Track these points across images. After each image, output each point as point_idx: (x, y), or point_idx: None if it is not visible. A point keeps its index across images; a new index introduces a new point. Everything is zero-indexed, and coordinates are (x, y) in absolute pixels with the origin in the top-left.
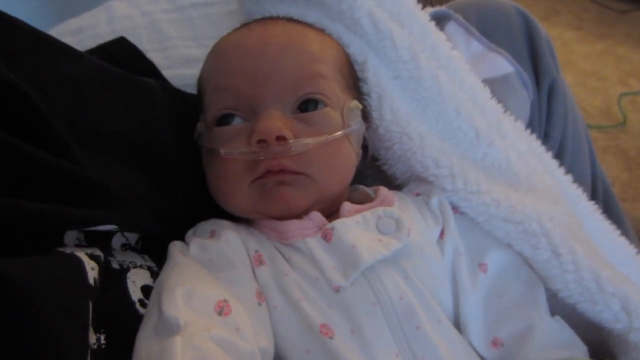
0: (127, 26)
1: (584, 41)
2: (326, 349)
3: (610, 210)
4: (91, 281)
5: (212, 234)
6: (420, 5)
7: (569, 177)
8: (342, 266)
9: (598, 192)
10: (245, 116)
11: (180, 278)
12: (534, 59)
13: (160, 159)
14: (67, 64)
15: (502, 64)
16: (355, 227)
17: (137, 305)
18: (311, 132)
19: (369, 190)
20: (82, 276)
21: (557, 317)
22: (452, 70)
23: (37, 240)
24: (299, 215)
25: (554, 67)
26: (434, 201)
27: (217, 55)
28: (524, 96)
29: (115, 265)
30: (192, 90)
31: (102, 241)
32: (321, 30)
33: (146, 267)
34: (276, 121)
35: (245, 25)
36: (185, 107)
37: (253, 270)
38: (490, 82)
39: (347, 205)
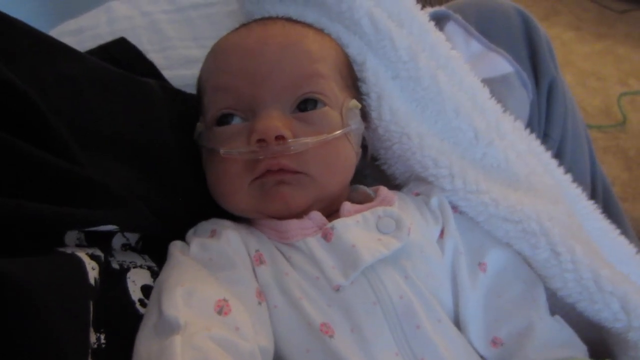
0: (127, 27)
1: (583, 41)
2: (326, 348)
3: (609, 210)
4: (92, 281)
5: (213, 234)
6: (419, 6)
7: (568, 177)
8: (342, 265)
9: (598, 192)
10: (245, 116)
11: (180, 278)
12: (534, 59)
13: (160, 159)
14: (67, 64)
15: (501, 64)
16: (355, 226)
17: (137, 305)
18: (310, 132)
19: (369, 190)
20: (83, 276)
21: (557, 317)
22: (451, 70)
23: (37, 240)
24: (299, 214)
25: (553, 67)
26: (434, 201)
27: (217, 56)
28: (523, 96)
29: (116, 265)
30: (192, 90)
31: (102, 241)
32: (320, 31)
33: (146, 267)
34: (275, 121)
35: (244, 25)
36: (185, 107)
37: (253, 270)
38: (489, 82)
39: (347, 205)
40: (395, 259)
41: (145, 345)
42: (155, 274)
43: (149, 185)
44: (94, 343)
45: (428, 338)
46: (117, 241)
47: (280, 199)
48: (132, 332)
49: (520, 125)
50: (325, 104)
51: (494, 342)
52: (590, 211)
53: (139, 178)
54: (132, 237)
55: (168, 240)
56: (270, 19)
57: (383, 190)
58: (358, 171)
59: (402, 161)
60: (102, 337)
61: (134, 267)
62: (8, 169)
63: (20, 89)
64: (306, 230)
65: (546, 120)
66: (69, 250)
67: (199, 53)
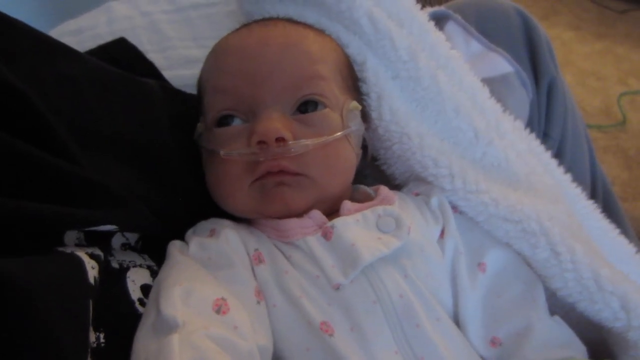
0: (127, 27)
1: (583, 41)
2: (326, 347)
3: (609, 210)
4: (91, 280)
5: (212, 233)
6: (419, 5)
7: (568, 177)
8: (342, 264)
9: (598, 192)
10: (245, 117)
11: (179, 277)
12: (533, 59)
13: (160, 159)
14: (67, 64)
15: (501, 64)
16: (355, 225)
17: (137, 304)
18: (311, 133)
19: (369, 189)
20: (83, 275)
21: (556, 317)
22: (451, 69)
23: (37, 240)
24: (299, 214)
25: (553, 67)
26: (434, 201)
27: (217, 56)
28: (523, 95)
29: (115, 265)
30: (192, 90)
31: (102, 241)
32: (321, 31)
33: (146, 267)
34: (275, 122)
35: (245, 26)
36: (185, 107)
37: (252, 269)
38: (489, 82)
39: (347, 204)
40: (395, 258)
41: (143, 345)
42: (154, 274)
43: (148, 185)
44: (94, 342)
45: (427, 337)
46: (117, 241)
47: (281, 201)
48: (132, 331)
49: (520, 124)
50: (325, 106)
51: (493, 342)
52: (590, 211)
53: (138, 178)
54: (132, 237)
55: (168, 239)
56: (270, 19)
57: (383, 189)
58: (358, 171)
59: (402, 161)
60: (102, 336)
61: (133, 267)
62: (8, 170)
63: (19, 90)
64: (306, 229)
65: (546, 120)
66: (68, 250)
67: (199, 53)
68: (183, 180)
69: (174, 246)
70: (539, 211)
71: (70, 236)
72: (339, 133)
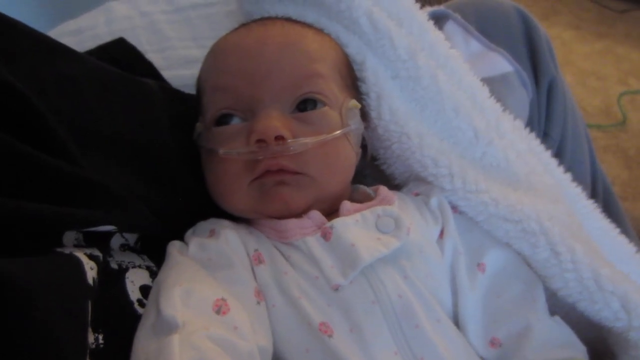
0: (127, 27)
1: (583, 41)
2: (325, 348)
3: (610, 209)
4: (90, 281)
5: (212, 233)
6: (418, 5)
7: (568, 176)
8: (341, 265)
9: (598, 191)
10: (244, 116)
11: (179, 278)
12: (533, 58)
13: (160, 159)
14: (66, 64)
15: (501, 63)
16: (355, 226)
17: (136, 305)
18: (310, 132)
19: (368, 189)
20: (81, 276)
21: (556, 317)
22: (450, 69)
23: (36, 240)
24: (299, 214)
25: (553, 67)
26: (434, 201)
27: (216, 56)
28: (522, 95)
29: (114, 265)
30: (192, 90)
31: (100, 242)
32: (320, 30)
33: (145, 267)
34: (274, 121)
35: (244, 25)
36: (185, 107)
37: (252, 269)
38: (489, 81)
39: (346, 204)
40: (395, 258)
41: (143, 345)
42: (154, 274)
43: (148, 185)
44: (92, 343)
45: (427, 338)
46: (116, 241)
47: (280, 200)
48: (131, 332)
49: (520, 124)
50: (324, 104)
51: (493, 343)
52: (590, 210)
53: (138, 178)
54: (131, 237)
55: (167, 240)
56: (269, 19)
57: (383, 189)
58: (358, 171)
59: (402, 161)
60: (101, 337)
61: (132, 267)
62: (8, 170)
63: (19, 90)
64: (305, 230)
65: (546, 119)
66: (67, 251)
67: (198, 53)
68: (183, 180)
69: (174, 247)
70: (539, 211)
71: (69, 237)
72: (338, 131)
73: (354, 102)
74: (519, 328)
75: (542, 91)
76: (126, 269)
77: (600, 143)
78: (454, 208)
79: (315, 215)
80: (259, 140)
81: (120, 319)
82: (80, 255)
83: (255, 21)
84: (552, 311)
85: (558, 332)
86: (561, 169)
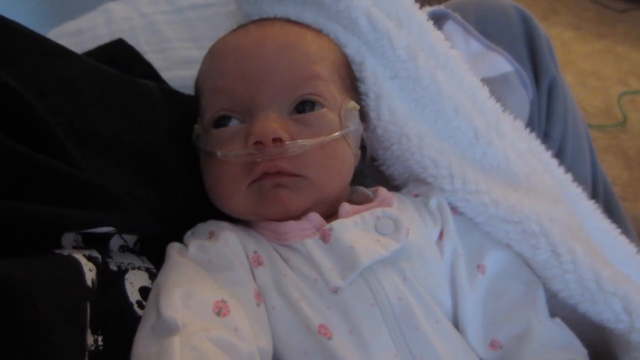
0: (126, 28)
1: (583, 41)
2: (325, 350)
3: (610, 210)
4: (89, 283)
5: (211, 235)
6: (418, 5)
7: (568, 177)
8: (340, 267)
9: (598, 192)
10: (242, 118)
11: (179, 279)
12: (533, 58)
13: (159, 160)
14: (65, 66)
15: (501, 63)
16: (354, 227)
17: (135, 307)
18: (308, 134)
19: (368, 191)
20: (80, 278)
21: (557, 319)
22: (450, 69)
23: (35, 242)
24: (298, 216)
25: (553, 67)
26: (433, 202)
27: (214, 57)
28: (523, 95)
29: (113, 267)
30: (191, 91)
31: (99, 243)
32: (319, 31)
33: (144, 269)
34: (272, 123)
35: (242, 26)
36: (184, 108)
37: (252, 271)
38: (489, 82)
39: (345, 206)
40: (394, 260)
41: (143, 347)
42: (153, 276)
43: (147, 187)
44: (91, 345)
45: (427, 339)
46: (115, 243)
47: (279, 203)
48: (130, 334)
49: (520, 124)
50: (323, 106)
51: (493, 345)
52: (591, 211)
53: (137, 179)
54: (130, 239)
55: (166, 241)
56: (268, 19)
57: (382, 191)
58: (357, 172)
59: (401, 162)
60: (100, 339)
61: (132, 269)
62: (7, 171)
63: (18, 92)
64: (304, 232)
65: (546, 119)
66: (65, 252)
67: (198, 54)
68: (182, 182)
69: (173, 248)
70: (539, 212)
71: (68, 238)
72: (336, 133)
73: (352, 104)
74: (520, 330)
75: (543, 91)
76: (125, 271)
77: (601, 143)
78: (454, 209)
79: (314, 217)
80: (257, 143)
81: (120, 321)
82: (79, 256)
83: (253, 22)
84: (553, 313)
85: (559, 334)
86: (562, 169)
